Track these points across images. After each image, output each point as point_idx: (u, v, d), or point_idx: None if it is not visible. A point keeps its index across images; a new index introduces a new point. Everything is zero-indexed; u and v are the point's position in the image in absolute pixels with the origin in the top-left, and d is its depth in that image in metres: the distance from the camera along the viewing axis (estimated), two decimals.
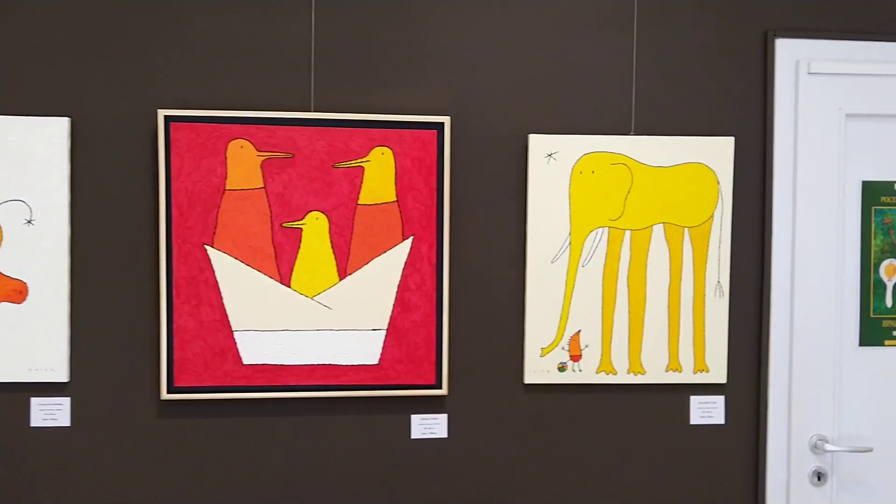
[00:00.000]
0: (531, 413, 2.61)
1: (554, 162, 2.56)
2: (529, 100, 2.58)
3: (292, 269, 2.45)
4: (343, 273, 2.47)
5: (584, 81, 2.60)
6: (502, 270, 2.58)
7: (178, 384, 2.43)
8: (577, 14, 2.59)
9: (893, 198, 2.70)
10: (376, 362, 2.50)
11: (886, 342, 2.70)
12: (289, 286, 2.45)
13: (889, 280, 2.70)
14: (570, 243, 2.58)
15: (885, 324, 2.70)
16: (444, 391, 2.53)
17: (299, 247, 2.45)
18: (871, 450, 2.63)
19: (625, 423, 2.64)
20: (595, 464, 2.64)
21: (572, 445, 2.63)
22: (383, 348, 2.50)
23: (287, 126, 2.43)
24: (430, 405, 2.57)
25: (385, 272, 2.48)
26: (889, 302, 2.70)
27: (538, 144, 2.55)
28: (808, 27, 2.66)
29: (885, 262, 2.70)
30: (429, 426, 2.57)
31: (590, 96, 2.60)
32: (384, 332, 2.49)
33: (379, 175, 2.47)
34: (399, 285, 2.49)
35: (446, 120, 2.49)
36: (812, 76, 2.63)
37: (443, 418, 2.57)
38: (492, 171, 2.57)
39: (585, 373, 2.61)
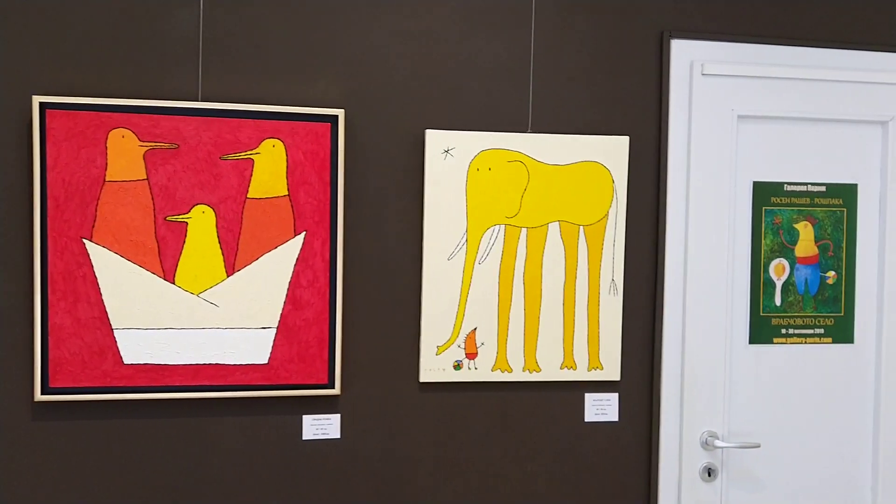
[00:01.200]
0: (426, 412, 2.49)
1: (451, 158, 2.44)
2: (427, 95, 2.45)
3: (177, 265, 2.26)
4: (231, 269, 2.30)
5: (482, 78, 2.48)
6: (398, 268, 2.45)
7: (53, 385, 2.22)
8: (476, 10, 2.48)
9: (783, 198, 2.66)
10: (266, 361, 2.33)
11: (775, 340, 2.67)
12: (173, 282, 2.26)
13: (778, 279, 2.66)
14: (466, 241, 2.46)
15: (774, 322, 2.67)
16: (336, 391, 2.39)
17: (184, 241, 2.26)
18: (758, 445, 2.59)
19: (520, 421, 2.54)
20: (491, 462, 2.53)
21: (468, 444, 2.51)
22: (273, 347, 2.33)
23: (172, 115, 2.24)
24: (322, 405, 2.41)
25: (276, 268, 2.32)
26: (778, 301, 2.66)
27: (435, 140, 2.43)
28: (703, 29, 2.60)
29: (775, 262, 2.66)
30: (321, 427, 2.42)
31: (487, 93, 2.49)
32: (274, 331, 2.33)
33: (269, 168, 2.30)
34: (290, 282, 2.33)
35: (340, 113, 2.34)
36: (706, 77, 2.57)
37: (336, 418, 2.43)
38: (388, 167, 2.43)
39: (481, 371, 2.50)
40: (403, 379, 2.46)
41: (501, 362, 2.50)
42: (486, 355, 2.49)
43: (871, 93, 2.66)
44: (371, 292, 2.43)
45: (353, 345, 2.42)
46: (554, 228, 2.51)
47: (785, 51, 2.63)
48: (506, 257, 2.49)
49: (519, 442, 2.54)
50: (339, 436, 2.43)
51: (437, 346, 2.46)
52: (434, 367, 2.46)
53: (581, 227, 2.53)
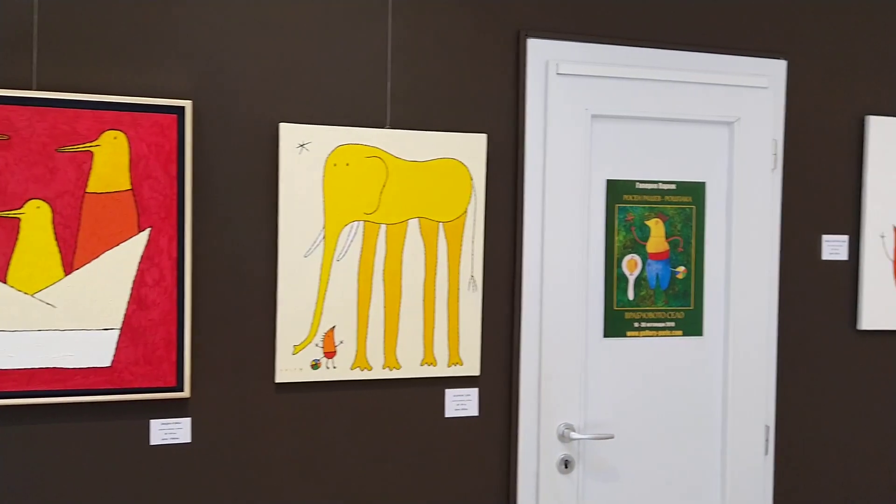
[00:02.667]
0: (283, 413, 2.34)
1: (307, 152, 2.30)
2: (281, 87, 2.30)
3: (8, 264, 2.03)
4: (69, 268, 2.09)
5: (339, 71, 2.35)
6: (252, 265, 2.29)
7: None
8: (333, 2, 2.34)
9: (635, 196, 2.64)
10: (109, 364, 2.13)
11: (628, 333, 2.64)
12: (4, 282, 2.04)
13: (631, 274, 2.63)
14: (324, 237, 2.33)
15: (628, 316, 2.64)
16: (186, 393, 2.21)
17: (17, 238, 2.04)
18: (612, 436, 2.55)
19: (381, 418, 2.42)
20: (351, 462, 2.40)
21: (328, 444, 2.38)
22: (117, 349, 2.14)
23: (2, 105, 2.02)
24: (171, 409, 2.23)
25: (118, 267, 2.12)
26: (631, 295, 2.63)
27: (290, 134, 2.28)
28: (558, 29, 2.54)
29: (627, 257, 2.63)
30: (170, 431, 2.23)
31: (345, 87, 2.36)
32: (118, 332, 2.13)
33: (111, 161, 2.10)
34: (135, 281, 2.14)
35: (188, 104, 2.16)
36: (561, 77, 2.52)
37: (186, 422, 2.25)
38: (241, 161, 2.27)
39: (340, 369, 2.36)
40: (258, 380, 2.30)
41: (361, 360, 2.38)
42: (345, 354, 2.36)
43: (719, 94, 2.66)
44: (223, 291, 2.26)
45: (204, 345, 2.25)
46: (413, 225, 2.40)
47: (637, 52, 2.60)
48: (365, 254, 2.37)
49: (379, 440, 2.42)
50: (189, 440, 2.25)
51: (294, 346, 2.32)
52: (291, 366, 2.32)
53: (440, 224, 2.43)
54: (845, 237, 2.83)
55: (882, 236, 2.83)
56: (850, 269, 2.83)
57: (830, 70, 2.80)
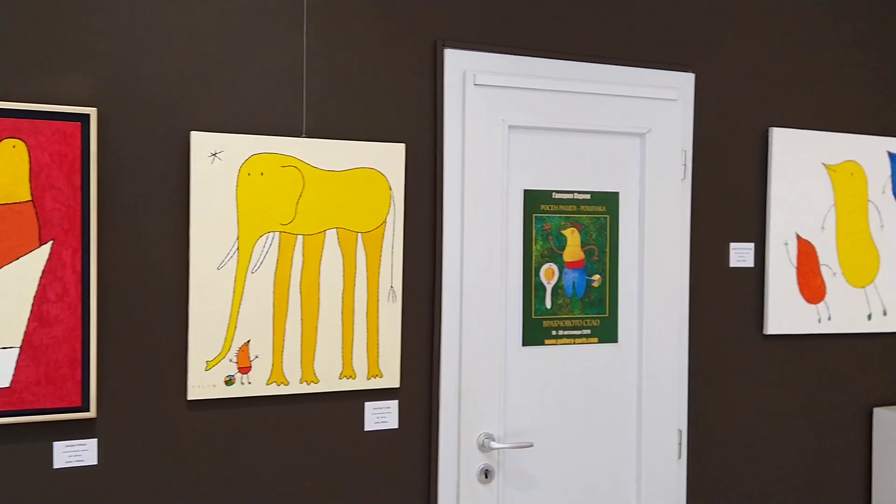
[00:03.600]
0: (196, 432, 2.22)
1: (219, 162, 2.20)
2: (193, 95, 2.19)
3: None
4: None
5: (253, 79, 2.26)
6: (163, 278, 2.17)
7: None
8: (247, 8, 2.25)
9: (552, 206, 2.62)
10: (8, 385, 1.98)
11: (547, 341, 2.62)
12: None
13: (548, 283, 2.62)
14: (238, 248, 2.23)
15: (546, 324, 2.62)
16: (92, 413, 2.07)
17: None
18: (531, 445, 2.52)
19: (298, 434, 2.33)
20: (269, 479, 2.30)
21: (244, 462, 2.27)
22: (16, 369, 1.99)
23: None
24: (76, 430, 2.09)
25: (17, 282, 1.97)
26: (549, 304, 2.61)
27: (201, 142, 2.17)
28: (475, 40, 2.51)
29: (545, 266, 2.61)
30: (75, 453, 2.09)
31: (259, 95, 2.26)
32: (17, 351, 1.99)
33: (9, 171, 1.96)
34: (35, 296, 1.99)
35: (93, 111, 2.03)
36: (478, 87, 2.48)
37: (92, 444, 2.11)
38: (150, 170, 2.15)
39: (255, 385, 2.26)
40: (169, 397, 2.18)
41: (277, 375, 2.28)
42: (261, 368, 2.26)
43: (631, 106, 2.67)
44: (132, 306, 2.14)
45: (112, 363, 2.12)
46: (331, 235, 2.33)
47: (553, 64, 2.59)
48: (281, 266, 2.28)
49: (297, 456, 2.33)
50: (95, 462, 2.11)
51: (207, 361, 2.21)
52: (203, 383, 2.20)
53: (359, 234, 2.36)
54: (751, 245, 2.88)
55: (786, 244, 2.89)
56: (756, 276, 2.89)
57: (736, 83, 2.85)
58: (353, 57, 2.36)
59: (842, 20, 2.99)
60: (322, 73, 2.32)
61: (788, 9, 2.92)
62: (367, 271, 2.36)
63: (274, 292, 2.26)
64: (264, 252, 2.25)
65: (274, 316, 2.27)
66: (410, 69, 2.43)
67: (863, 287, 3.00)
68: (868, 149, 3.00)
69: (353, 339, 2.35)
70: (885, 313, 3.04)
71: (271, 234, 2.25)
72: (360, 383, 2.37)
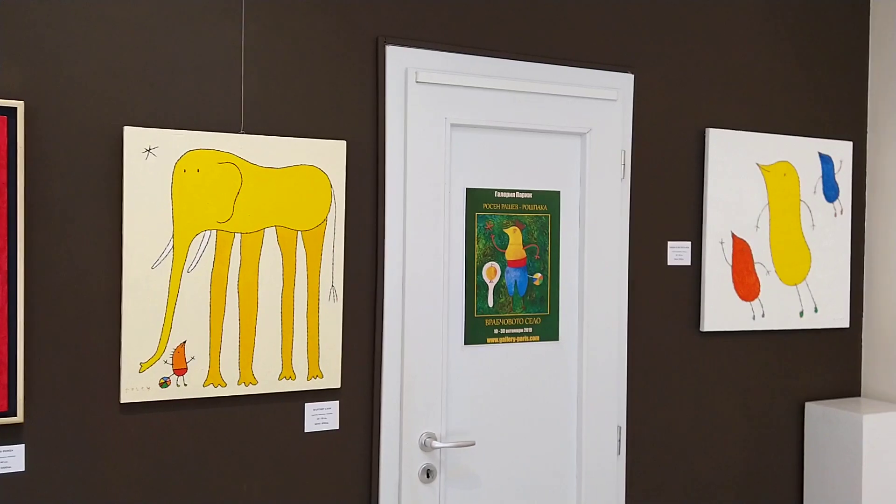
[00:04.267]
0: (130, 436, 2.13)
1: (154, 158, 2.12)
2: (126, 88, 2.11)
3: None
4: None
5: (190, 73, 2.18)
6: (95, 278, 2.08)
7: None
8: (183, 0, 2.17)
9: (494, 204, 2.60)
10: None
11: (489, 340, 2.60)
12: None
13: (490, 281, 2.60)
14: (173, 247, 2.15)
15: (488, 323, 2.59)
16: (19, 418, 1.97)
17: None
18: (473, 443, 2.50)
19: (237, 436, 2.26)
20: (206, 483, 2.23)
21: (180, 466, 2.19)
22: None
23: None
24: (2, 435, 1.99)
25: None
26: (491, 302, 2.59)
27: (135, 138, 2.09)
28: (417, 37, 2.47)
29: (487, 265, 2.59)
30: (1, 460, 1.98)
31: (195, 89, 2.19)
32: None
33: None
34: None
35: (19, 105, 1.94)
36: (420, 85, 2.44)
37: (19, 449, 2.01)
38: (81, 166, 2.06)
39: (191, 387, 2.19)
40: (101, 401, 2.10)
41: (214, 377, 2.21)
42: (197, 370, 2.19)
43: (572, 106, 2.67)
44: (62, 306, 2.05)
45: (41, 366, 2.02)
46: (270, 234, 2.27)
47: (495, 63, 2.56)
48: (218, 265, 2.21)
49: (235, 459, 2.26)
50: (23, 468, 2.01)
51: (141, 363, 2.13)
52: (137, 385, 2.12)
53: (299, 233, 2.30)
54: (688, 244, 2.90)
55: (721, 242, 2.93)
56: (693, 274, 2.92)
57: (674, 84, 2.87)
58: (293, 52, 2.30)
59: (777, 24, 3.04)
60: (261, 68, 2.26)
61: (725, 12, 2.95)
62: (307, 270, 2.31)
63: (211, 292, 2.20)
64: (200, 251, 2.18)
65: (211, 316, 2.20)
66: (352, 65, 2.38)
67: (795, 285, 3.06)
68: (800, 150, 3.05)
69: (292, 340, 2.29)
70: (816, 310, 3.10)
71: (208, 232, 2.19)
72: (300, 384, 2.31)
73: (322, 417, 2.37)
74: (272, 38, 2.28)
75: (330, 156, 2.31)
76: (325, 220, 2.32)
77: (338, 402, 2.38)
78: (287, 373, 2.29)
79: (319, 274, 2.32)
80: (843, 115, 3.18)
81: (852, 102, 3.20)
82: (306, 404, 2.35)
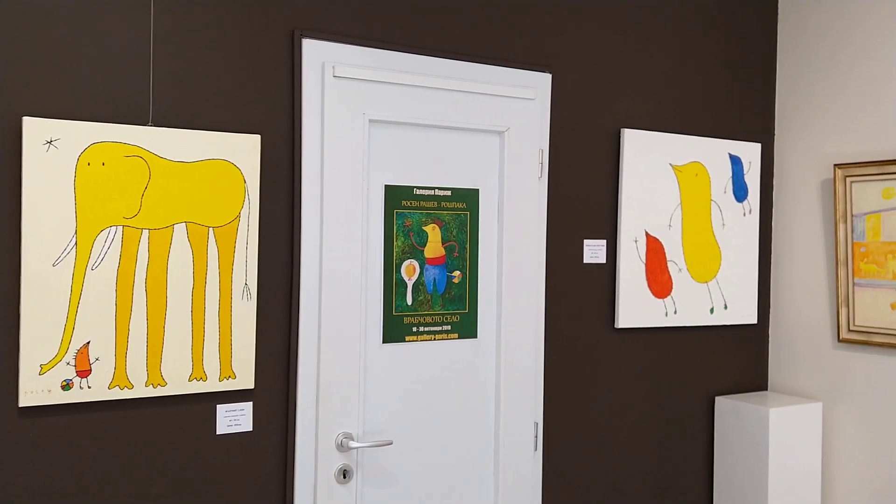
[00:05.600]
0: (29, 441, 2.01)
1: (55, 150, 2.00)
2: (25, 76, 1.98)
3: None
4: None
5: (95, 62, 2.06)
6: None
7: None
8: None
9: (413, 202, 2.56)
10: None
11: (407, 338, 2.55)
12: None
13: (409, 279, 2.55)
14: (76, 243, 2.03)
15: (406, 321, 2.55)
16: None
17: None
18: (391, 443, 2.44)
19: (145, 440, 2.16)
20: (112, 489, 2.11)
21: (84, 472, 2.08)
22: None
23: None
24: None
25: None
26: (409, 300, 2.55)
27: (35, 129, 1.97)
28: (335, 31, 2.40)
29: (406, 263, 2.55)
30: None
31: (101, 79, 2.07)
32: None
33: None
34: None
35: None
36: (337, 79, 2.38)
37: None
38: None
39: (96, 389, 2.07)
40: None
41: (120, 378, 2.11)
42: (102, 372, 2.08)
43: (490, 104, 2.64)
44: None
45: None
46: (180, 230, 2.17)
47: (414, 59, 2.52)
48: (124, 262, 2.10)
49: (144, 463, 2.16)
50: None
51: (41, 365, 2.00)
52: (37, 388, 2.00)
53: (211, 229, 2.21)
54: (604, 242, 2.92)
55: (636, 241, 2.95)
56: (609, 272, 2.93)
57: (590, 85, 2.88)
58: (206, 42, 2.21)
59: (690, 29, 3.08)
60: (172, 58, 2.16)
61: (641, 16, 2.97)
62: (219, 268, 2.22)
63: (117, 290, 2.09)
64: (106, 247, 2.07)
65: (117, 315, 2.09)
66: (267, 59, 2.30)
67: (706, 282, 3.11)
68: (712, 151, 3.10)
69: (203, 340, 2.20)
70: (725, 307, 3.16)
71: (113, 228, 2.08)
72: (212, 385, 2.22)
73: (235, 419, 2.28)
74: (184, 29, 2.18)
75: (244, 150, 2.23)
76: (238, 216, 2.23)
77: (251, 403, 2.30)
78: (198, 374, 2.20)
79: (232, 272, 2.24)
80: (752, 118, 3.25)
81: (761, 106, 3.27)
82: (218, 406, 2.26)
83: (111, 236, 2.07)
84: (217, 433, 2.26)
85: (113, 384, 2.09)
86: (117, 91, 2.09)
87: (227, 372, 2.24)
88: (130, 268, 2.10)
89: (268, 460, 2.33)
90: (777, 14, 3.31)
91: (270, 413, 2.33)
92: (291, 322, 2.35)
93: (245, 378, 2.27)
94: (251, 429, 2.30)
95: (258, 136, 2.25)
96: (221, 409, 2.26)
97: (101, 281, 2.06)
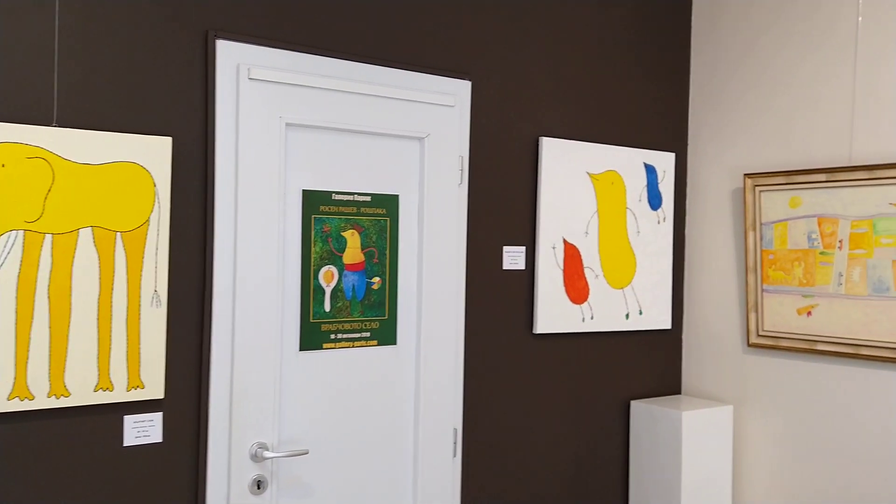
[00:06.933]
0: None
1: None
2: None
3: None
4: None
5: None
6: None
7: None
8: None
9: (332, 207, 2.51)
10: None
11: (325, 345, 2.50)
12: None
13: (327, 286, 2.50)
14: None
15: (324, 328, 2.50)
16: None
17: None
18: (307, 452, 2.39)
19: (47, 453, 2.05)
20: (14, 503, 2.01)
21: None
22: None
23: None
24: None
25: None
26: (328, 307, 2.50)
27: None
28: (250, 32, 2.34)
29: (324, 269, 2.50)
30: None
31: (1, 78, 1.97)
32: None
33: None
34: None
35: None
36: (253, 82, 2.32)
37: None
38: None
39: None
40: None
41: (20, 389, 2.00)
42: (1, 382, 1.97)
43: (411, 110, 2.62)
44: None
45: None
46: (86, 235, 2.07)
47: (334, 63, 2.47)
48: (25, 267, 1.99)
49: (45, 478, 2.05)
50: None
51: None
52: None
53: (118, 234, 2.12)
54: (523, 248, 2.92)
55: (554, 248, 2.96)
56: (527, 278, 2.94)
57: (510, 93, 2.88)
58: (115, 41, 2.12)
59: (607, 40, 3.12)
60: (78, 56, 2.07)
61: (560, 26, 2.99)
62: (127, 274, 2.13)
63: (17, 297, 1.98)
64: (5, 252, 1.96)
65: (17, 323, 1.98)
66: (180, 59, 2.22)
67: (621, 288, 3.15)
68: (627, 160, 3.15)
69: (110, 348, 2.11)
70: (640, 312, 3.20)
71: (14, 232, 1.97)
72: (119, 395, 2.13)
73: (143, 430, 2.19)
74: (91, 27, 2.09)
75: (154, 153, 2.15)
76: (148, 220, 2.15)
77: (161, 413, 2.21)
78: (104, 383, 2.11)
79: (141, 278, 2.15)
80: (666, 128, 3.31)
81: (675, 116, 3.34)
82: (126, 416, 2.17)
83: (11, 241, 1.97)
84: (124, 445, 2.16)
85: (13, 395, 1.98)
86: (19, 90, 1.99)
87: (135, 381, 2.15)
88: (32, 274, 2.00)
89: (179, 472, 2.25)
90: (690, 28, 3.38)
91: (182, 423, 2.25)
92: (204, 329, 2.27)
93: (154, 387, 2.18)
94: (161, 440, 2.21)
95: (170, 139, 2.18)
96: (129, 420, 2.17)
97: (0, 287, 1.95)
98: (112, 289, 2.11)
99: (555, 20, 2.98)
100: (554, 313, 2.96)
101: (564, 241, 2.98)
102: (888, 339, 2.73)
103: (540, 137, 2.93)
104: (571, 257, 3.00)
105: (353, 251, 2.54)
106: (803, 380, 3.00)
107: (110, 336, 2.11)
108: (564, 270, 2.99)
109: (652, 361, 3.29)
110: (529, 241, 2.94)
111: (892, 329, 2.72)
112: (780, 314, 3.02)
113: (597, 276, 3.07)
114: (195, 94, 2.25)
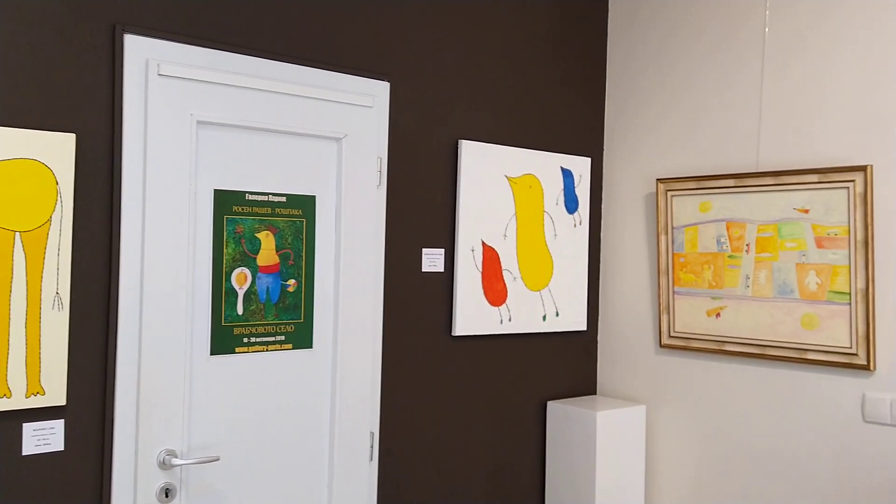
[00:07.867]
0: None
1: None
2: None
3: None
4: None
5: None
6: None
7: None
8: None
9: (245, 207, 2.45)
10: None
11: (237, 350, 2.44)
12: None
13: (240, 288, 2.44)
14: None
15: (237, 331, 2.43)
16: None
17: None
18: (217, 459, 2.32)
19: None
20: None
21: None
22: None
23: None
24: None
25: None
26: (240, 310, 2.44)
27: None
28: (160, 27, 2.27)
29: (237, 271, 2.43)
30: None
31: None
32: None
33: None
34: None
35: None
36: (162, 78, 2.24)
37: None
38: None
39: None
40: None
41: None
42: None
43: (328, 110, 2.58)
44: None
45: None
46: None
47: (248, 60, 2.41)
48: None
49: None
50: None
51: None
52: None
53: (17, 234, 2.02)
54: (442, 251, 2.91)
55: (472, 250, 2.96)
56: (446, 280, 2.93)
57: (429, 95, 2.87)
58: (15, 33, 2.02)
59: (525, 45, 3.14)
60: None
61: (478, 29, 3.00)
62: (26, 276, 2.03)
63: None
64: None
65: None
66: (85, 53, 2.13)
67: (538, 291, 3.17)
68: (545, 164, 3.17)
69: (7, 353, 2.01)
70: (557, 314, 3.23)
71: None
72: (17, 402, 2.03)
73: (44, 438, 2.09)
74: None
75: (56, 150, 2.06)
76: (50, 220, 2.06)
77: (63, 420, 2.12)
78: (1, 390, 2.00)
79: (42, 280, 2.05)
80: (583, 133, 3.35)
81: (591, 122, 3.38)
82: (24, 424, 2.06)
83: None
84: (23, 454, 2.06)
85: None
86: None
87: (34, 388, 2.05)
88: None
89: (82, 482, 2.15)
90: (607, 34, 3.43)
91: (85, 431, 2.15)
92: (109, 333, 2.18)
93: (55, 394, 2.08)
94: (62, 448, 2.12)
95: (73, 136, 2.08)
96: (28, 428, 2.07)
97: None
98: (10, 291, 2.01)
99: (475, 25, 2.99)
100: (472, 315, 2.96)
101: (483, 244, 2.99)
102: (792, 339, 2.82)
103: (459, 140, 2.93)
104: (490, 260, 3.01)
105: (268, 253, 2.49)
106: (712, 380, 3.07)
107: (8, 340, 2.00)
108: (483, 273, 2.99)
109: (568, 362, 3.32)
110: (448, 244, 2.93)
111: (796, 330, 2.81)
112: (691, 315, 3.09)
113: (515, 278, 3.09)
114: (102, 89, 2.16)
